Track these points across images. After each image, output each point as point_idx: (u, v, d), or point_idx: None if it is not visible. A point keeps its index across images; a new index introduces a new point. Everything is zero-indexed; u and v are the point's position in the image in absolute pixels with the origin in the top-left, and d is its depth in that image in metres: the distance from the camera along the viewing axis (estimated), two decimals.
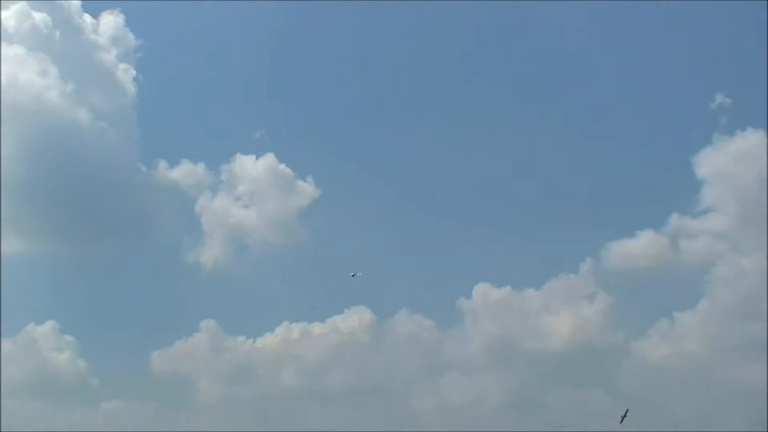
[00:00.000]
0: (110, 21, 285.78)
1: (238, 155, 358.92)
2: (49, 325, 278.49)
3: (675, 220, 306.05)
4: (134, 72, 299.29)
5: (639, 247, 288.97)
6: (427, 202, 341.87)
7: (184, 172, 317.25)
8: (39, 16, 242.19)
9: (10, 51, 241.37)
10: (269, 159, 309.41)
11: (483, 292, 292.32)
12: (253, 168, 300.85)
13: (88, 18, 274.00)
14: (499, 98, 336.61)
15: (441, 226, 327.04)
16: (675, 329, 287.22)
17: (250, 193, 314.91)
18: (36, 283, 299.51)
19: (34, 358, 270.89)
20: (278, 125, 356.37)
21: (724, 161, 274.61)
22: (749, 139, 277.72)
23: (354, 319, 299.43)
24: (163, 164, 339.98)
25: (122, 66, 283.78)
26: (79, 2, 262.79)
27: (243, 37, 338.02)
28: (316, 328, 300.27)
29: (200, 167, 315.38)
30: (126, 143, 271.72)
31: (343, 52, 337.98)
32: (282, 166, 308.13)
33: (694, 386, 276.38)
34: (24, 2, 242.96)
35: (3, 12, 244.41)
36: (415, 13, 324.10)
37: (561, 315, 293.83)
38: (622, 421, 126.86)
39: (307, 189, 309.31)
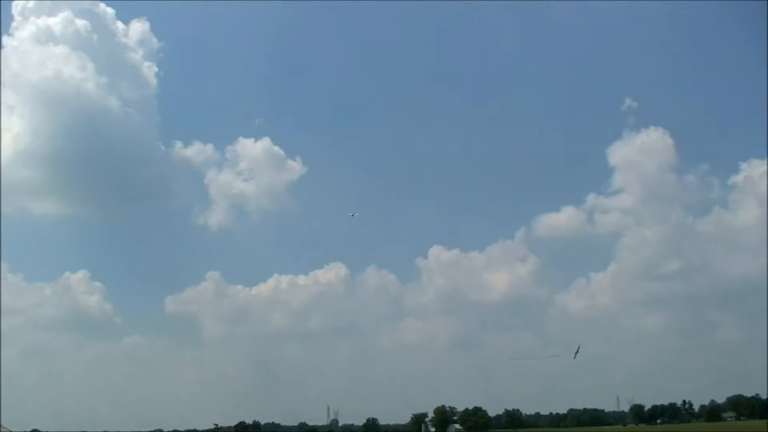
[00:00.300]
0: (138, 27, 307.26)
1: (240, 138, 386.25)
2: (82, 273, 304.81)
3: (591, 198, 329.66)
4: (156, 68, 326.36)
5: (562, 219, 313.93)
6: (393, 179, 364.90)
7: (196, 151, 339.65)
8: (80, 23, 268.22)
9: (56, 50, 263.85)
10: (265, 142, 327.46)
11: (437, 253, 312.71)
12: (252, 149, 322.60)
13: (120, 24, 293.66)
14: (451, 97, 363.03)
15: (404, 199, 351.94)
16: (590, 286, 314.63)
17: (249, 169, 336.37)
18: (72, 239, 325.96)
19: (69, 300, 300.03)
20: (274, 115, 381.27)
21: (631, 152, 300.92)
22: (651, 135, 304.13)
23: (332, 273, 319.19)
24: (178, 144, 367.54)
25: (147, 63, 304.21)
26: (113, 11, 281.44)
27: (245, 41, 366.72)
28: (301, 279, 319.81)
29: (209, 147, 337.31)
30: (148, 126, 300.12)
31: (326, 55, 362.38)
32: (276, 147, 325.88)
33: (604, 331, 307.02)
34: (68, 12, 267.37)
35: (51, 19, 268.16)
36: (398, 14, 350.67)
37: (499, 273, 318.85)
38: (575, 356, 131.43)
39: (296, 167, 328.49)
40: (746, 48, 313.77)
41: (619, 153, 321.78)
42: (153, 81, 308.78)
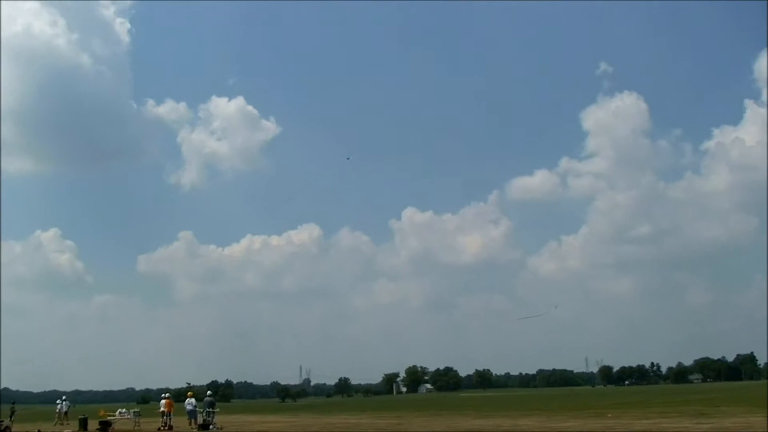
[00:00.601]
0: None
1: (213, 97, 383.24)
2: (53, 231, 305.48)
3: (565, 162, 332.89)
4: (129, 25, 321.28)
5: (535, 182, 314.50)
6: (367, 140, 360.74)
7: (168, 109, 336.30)
8: None
9: (27, 5, 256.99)
10: (239, 101, 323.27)
11: (410, 215, 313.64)
12: (225, 108, 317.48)
13: None
14: (427, 59, 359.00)
15: (378, 161, 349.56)
16: (561, 249, 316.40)
17: (223, 129, 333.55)
18: (43, 197, 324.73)
19: (40, 258, 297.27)
20: (248, 74, 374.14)
21: (605, 117, 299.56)
22: (625, 100, 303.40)
23: (305, 234, 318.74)
24: (151, 102, 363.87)
25: (119, 20, 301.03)
26: None
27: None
28: (274, 239, 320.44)
29: (182, 105, 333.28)
30: (120, 84, 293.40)
31: (302, 14, 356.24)
32: (250, 107, 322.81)
33: (574, 294, 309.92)
34: None
35: None
36: None
37: (472, 235, 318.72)
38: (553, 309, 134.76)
39: (270, 126, 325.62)
40: (721, 13, 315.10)
41: (593, 117, 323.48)
42: (125, 38, 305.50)
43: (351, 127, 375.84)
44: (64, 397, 63.25)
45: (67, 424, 55.08)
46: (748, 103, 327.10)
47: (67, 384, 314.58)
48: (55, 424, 56.15)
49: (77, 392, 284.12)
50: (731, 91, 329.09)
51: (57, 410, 61.02)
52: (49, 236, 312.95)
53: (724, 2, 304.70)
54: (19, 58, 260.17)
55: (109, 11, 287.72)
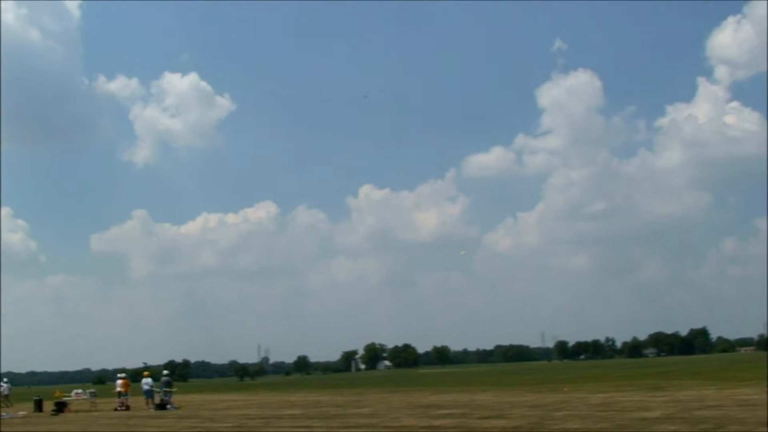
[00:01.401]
0: None
1: (166, 73, 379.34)
2: (5, 210, 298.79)
3: (520, 139, 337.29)
4: None
5: (491, 160, 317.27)
6: (323, 117, 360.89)
7: (120, 85, 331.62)
8: None
9: None
10: (193, 77, 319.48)
11: (367, 192, 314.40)
12: (179, 84, 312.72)
13: None
14: (382, 33, 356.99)
15: (335, 137, 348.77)
16: (518, 225, 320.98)
17: (176, 105, 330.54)
18: None
19: None
20: (201, 49, 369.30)
21: (560, 94, 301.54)
22: (580, 77, 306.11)
23: (262, 211, 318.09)
24: (102, 78, 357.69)
25: None
26: None
27: None
28: (230, 217, 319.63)
29: (134, 81, 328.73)
30: (71, 59, 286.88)
31: None
32: (203, 83, 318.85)
33: (531, 270, 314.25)
34: None
35: None
36: None
37: (429, 212, 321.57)
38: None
39: (224, 103, 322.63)
40: None
41: (548, 94, 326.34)
42: (76, 13, 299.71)
43: (306, 104, 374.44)
44: (5, 380, 61.80)
45: (9, 406, 53.97)
46: (701, 80, 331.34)
47: (22, 365, 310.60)
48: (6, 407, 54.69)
49: (32, 373, 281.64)
50: (684, 68, 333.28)
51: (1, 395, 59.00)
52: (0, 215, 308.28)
53: None
54: None
55: None
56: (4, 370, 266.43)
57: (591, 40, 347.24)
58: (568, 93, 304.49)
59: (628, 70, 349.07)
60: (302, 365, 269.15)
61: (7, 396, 58.76)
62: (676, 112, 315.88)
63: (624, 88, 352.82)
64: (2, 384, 59.51)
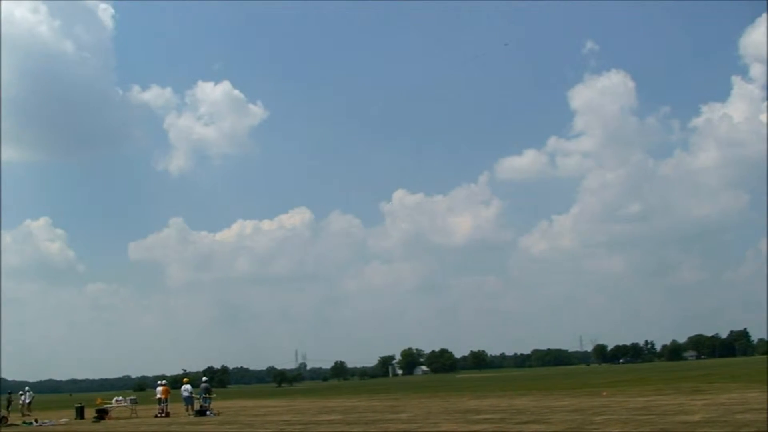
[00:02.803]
0: None
1: (199, 82, 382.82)
2: (43, 220, 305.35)
3: (553, 141, 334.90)
4: (113, 11, 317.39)
5: (524, 162, 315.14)
6: (356, 123, 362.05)
7: (154, 95, 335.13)
8: None
9: None
10: (225, 85, 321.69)
11: (400, 196, 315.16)
12: (212, 92, 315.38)
13: None
14: (415, 39, 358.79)
15: (368, 143, 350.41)
16: (553, 228, 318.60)
17: (210, 114, 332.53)
18: (32, 186, 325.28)
19: (30, 247, 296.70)
20: (233, 58, 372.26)
21: (592, 95, 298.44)
22: (612, 78, 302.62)
23: (296, 217, 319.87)
24: (136, 88, 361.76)
25: (102, 5, 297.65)
26: None
27: None
28: (265, 224, 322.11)
29: (168, 91, 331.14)
30: (105, 70, 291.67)
31: (287, 1, 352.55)
32: (236, 91, 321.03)
33: (567, 273, 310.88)
34: None
35: None
36: None
37: (463, 216, 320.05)
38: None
39: (257, 111, 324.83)
40: None
41: (580, 96, 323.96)
42: (109, 24, 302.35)
43: (339, 110, 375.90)
44: (27, 388, 62.25)
45: (29, 415, 54.31)
46: (735, 79, 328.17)
47: (63, 373, 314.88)
48: (23, 415, 54.71)
49: (73, 381, 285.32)
50: (718, 67, 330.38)
51: (20, 402, 59.16)
52: (39, 225, 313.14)
53: None
54: (1, 46, 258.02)
55: None
56: (44, 377, 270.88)
57: (623, 40, 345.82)
58: (601, 94, 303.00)
59: (660, 70, 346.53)
60: (339, 371, 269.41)
61: (28, 404, 59.18)
62: (711, 112, 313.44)
63: (657, 89, 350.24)
64: (25, 392, 60.07)
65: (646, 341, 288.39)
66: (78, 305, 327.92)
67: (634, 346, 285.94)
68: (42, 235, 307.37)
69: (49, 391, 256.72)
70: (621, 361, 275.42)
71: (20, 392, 61.09)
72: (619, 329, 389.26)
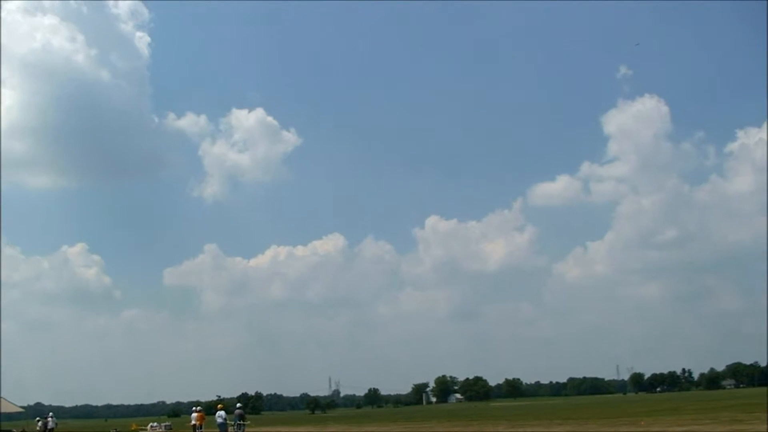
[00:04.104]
0: None
1: (233, 109, 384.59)
2: (80, 246, 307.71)
3: (586, 167, 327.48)
4: (148, 39, 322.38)
5: (557, 188, 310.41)
6: (388, 149, 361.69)
7: (189, 122, 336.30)
8: None
9: (45, 21, 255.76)
10: (259, 113, 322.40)
11: (434, 223, 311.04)
12: (245, 120, 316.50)
13: None
14: (446, 65, 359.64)
15: (400, 169, 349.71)
16: (587, 255, 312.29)
17: (244, 141, 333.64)
18: (68, 212, 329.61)
19: (67, 273, 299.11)
20: (267, 85, 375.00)
21: (626, 120, 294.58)
22: (646, 103, 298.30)
23: (330, 244, 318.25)
24: (171, 115, 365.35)
25: (138, 34, 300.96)
26: None
27: (237, 9, 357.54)
28: (299, 250, 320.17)
29: (202, 118, 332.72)
30: (141, 98, 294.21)
31: (319, 24, 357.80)
32: (270, 118, 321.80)
33: (603, 300, 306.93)
34: None
35: None
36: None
37: (497, 242, 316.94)
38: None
39: (290, 137, 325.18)
40: (742, 14, 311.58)
41: (614, 121, 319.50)
42: (145, 52, 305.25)
43: (372, 136, 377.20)
44: (51, 414, 62.65)
45: None
46: None
47: (99, 398, 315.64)
48: None
49: (108, 406, 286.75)
50: (753, 92, 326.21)
51: (47, 428, 59.25)
52: (75, 251, 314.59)
53: (743, 2, 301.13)
54: (38, 74, 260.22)
55: (127, 26, 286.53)
56: (81, 403, 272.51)
57: (656, 65, 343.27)
58: (635, 119, 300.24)
59: (694, 95, 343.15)
60: (373, 398, 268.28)
61: (52, 430, 59.61)
62: (747, 137, 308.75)
63: (691, 114, 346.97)
64: (48, 419, 60.53)
65: (684, 369, 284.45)
66: (113, 331, 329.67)
67: (672, 374, 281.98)
68: (78, 261, 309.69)
69: (85, 416, 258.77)
70: (658, 389, 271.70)
71: (37, 418, 61.46)
72: (656, 357, 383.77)
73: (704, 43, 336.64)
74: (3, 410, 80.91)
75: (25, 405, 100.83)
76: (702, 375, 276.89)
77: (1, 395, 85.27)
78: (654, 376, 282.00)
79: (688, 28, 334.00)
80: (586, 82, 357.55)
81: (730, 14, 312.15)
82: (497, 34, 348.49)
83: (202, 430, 47.05)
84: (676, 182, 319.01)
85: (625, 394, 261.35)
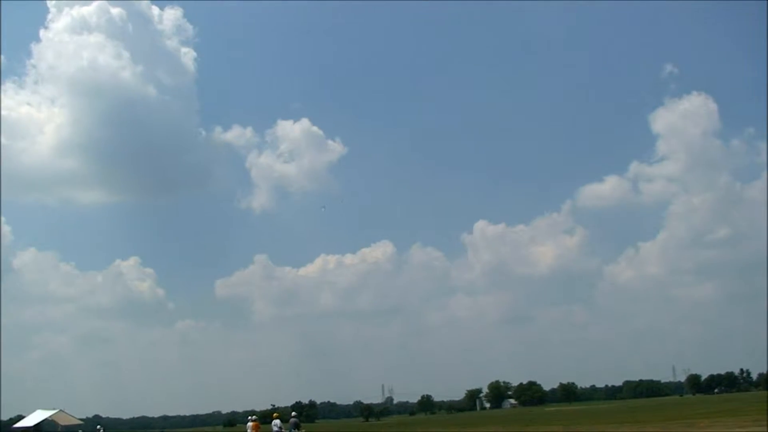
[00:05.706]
0: (172, 14, 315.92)
1: (279, 120, 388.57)
2: (133, 260, 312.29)
3: (635, 167, 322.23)
4: (194, 54, 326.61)
5: (607, 189, 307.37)
6: (435, 155, 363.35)
7: (236, 135, 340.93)
8: (115, 11, 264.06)
9: (91, 39, 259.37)
10: (304, 123, 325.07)
11: (482, 227, 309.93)
12: (291, 130, 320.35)
13: (155, 10, 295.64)
14: (491, 68, 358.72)
15: (447, 175, 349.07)
16: (639, 256, 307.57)
17: (290, 151, 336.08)
18: (121, 227, 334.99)
19: (121, 287, 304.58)
20: (311, 96, 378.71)
21: (674, 119, 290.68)
22: (694, 101, 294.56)
23: (378, 251, 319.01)
24: (218, 129, 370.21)
25: (184, 50, 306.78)
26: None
27: (280, 22, 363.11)
28: (348, 258, 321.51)
29: (249, 130, 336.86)
30: (187, 112, 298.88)
31: (361, 33, 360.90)
32: (315, 128, 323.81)
33: (656, 301, 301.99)
34: (103, 0, 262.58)
35: (86, 8, 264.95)
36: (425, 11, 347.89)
37: (546, 246, 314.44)
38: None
39: (336, 147, 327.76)
40: None
41: (662, 120, 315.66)
42: (191, 67, 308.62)
43: (416, 143, 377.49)
44: (99, 427, 63.29)
45: None
46: None
47: (155, 410, 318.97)
48: None
49: (164, 417, 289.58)
50: None
51: None
52: (129, 265, 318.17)
53: None
54: (85, 92, 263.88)
55: (173, 41, 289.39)
56: (137, 414, 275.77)
57: (702, 62, 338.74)
58: (683, 117, 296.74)
59: (742, 91, 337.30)
60: (426, 404, 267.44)
61: None
62: None
63: (740, 110, 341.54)
64: (97, 430, 61.11)
65: (741, 370, 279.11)
66: (168, 342, 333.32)
67: (729, 375, 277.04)
68: (132, 275, 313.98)
69: (142, 427, 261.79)
70: (716, 391, 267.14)
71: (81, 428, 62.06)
72: (713, 358, 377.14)
73: (748, 39, 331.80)
74: (63, 423, 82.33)
75: (84, 417, 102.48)
76: (761, 375, 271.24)
77: (62, 408, 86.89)
78: (711, 377, 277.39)
79: (731, 23, 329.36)
80: (631, 82, 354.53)
81: None
82: (543, 34, 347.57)
83: None
84: (727, 180, 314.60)
85: (682, 395, 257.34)
